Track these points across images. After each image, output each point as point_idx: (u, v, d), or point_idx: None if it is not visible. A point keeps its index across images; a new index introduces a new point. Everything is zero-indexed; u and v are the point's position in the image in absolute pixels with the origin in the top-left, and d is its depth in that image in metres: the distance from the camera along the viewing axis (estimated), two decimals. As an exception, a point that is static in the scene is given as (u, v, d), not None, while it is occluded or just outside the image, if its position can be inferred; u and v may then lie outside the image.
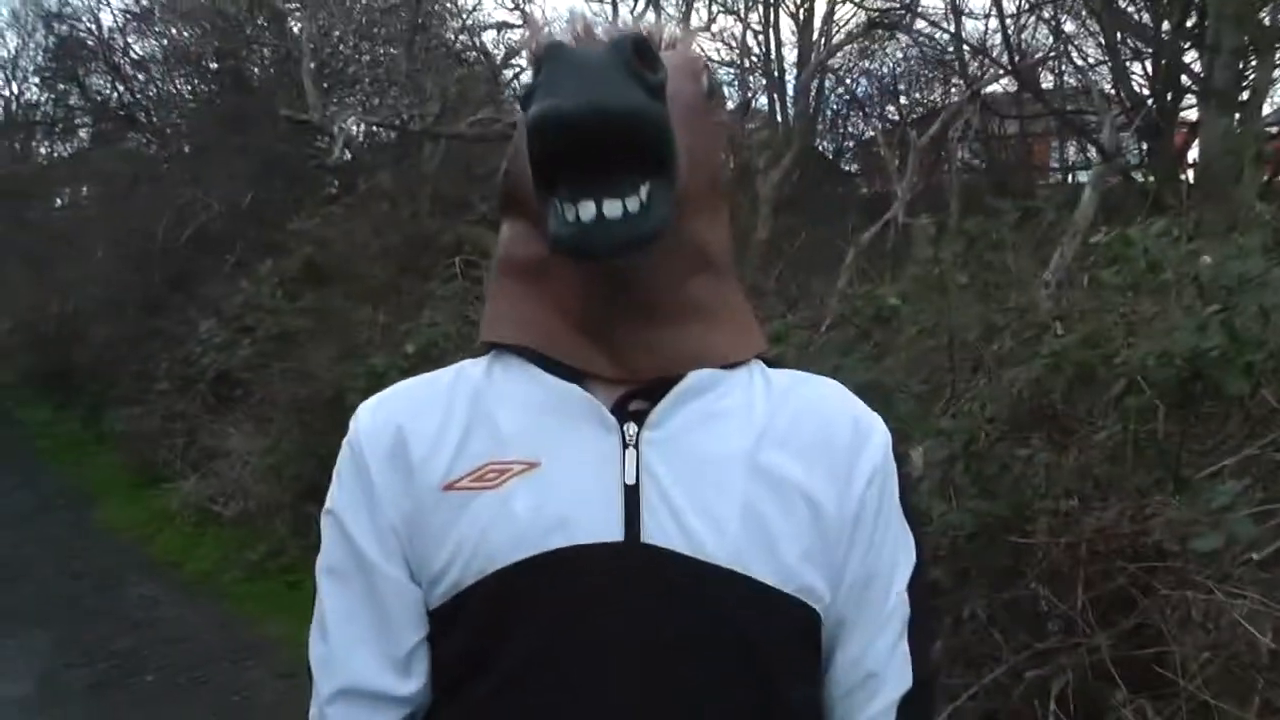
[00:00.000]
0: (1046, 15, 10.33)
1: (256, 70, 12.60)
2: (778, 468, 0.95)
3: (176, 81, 13.81)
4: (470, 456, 0.95)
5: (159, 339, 9.61)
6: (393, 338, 6.91)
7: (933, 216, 5.93)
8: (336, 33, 11.53)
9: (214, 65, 12.87)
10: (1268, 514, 2.62)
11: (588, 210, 0.87)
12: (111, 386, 10.52)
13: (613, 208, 0.87)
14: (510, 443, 0.95)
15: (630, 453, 0.93)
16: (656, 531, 0.91)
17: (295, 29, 11.27)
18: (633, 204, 0.88)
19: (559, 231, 0.89)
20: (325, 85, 11.45)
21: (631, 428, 0.94)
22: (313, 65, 10.31)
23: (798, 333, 4.89)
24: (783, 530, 0.93)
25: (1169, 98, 8.10)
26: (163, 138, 13.40)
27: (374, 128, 11.03)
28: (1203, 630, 2.43)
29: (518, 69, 10.28)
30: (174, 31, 12.92)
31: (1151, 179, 7.26)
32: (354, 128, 10.52)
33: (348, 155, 10.15)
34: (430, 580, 0.95)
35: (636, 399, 0.96)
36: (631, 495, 0.92)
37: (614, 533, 0.91)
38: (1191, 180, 6.94)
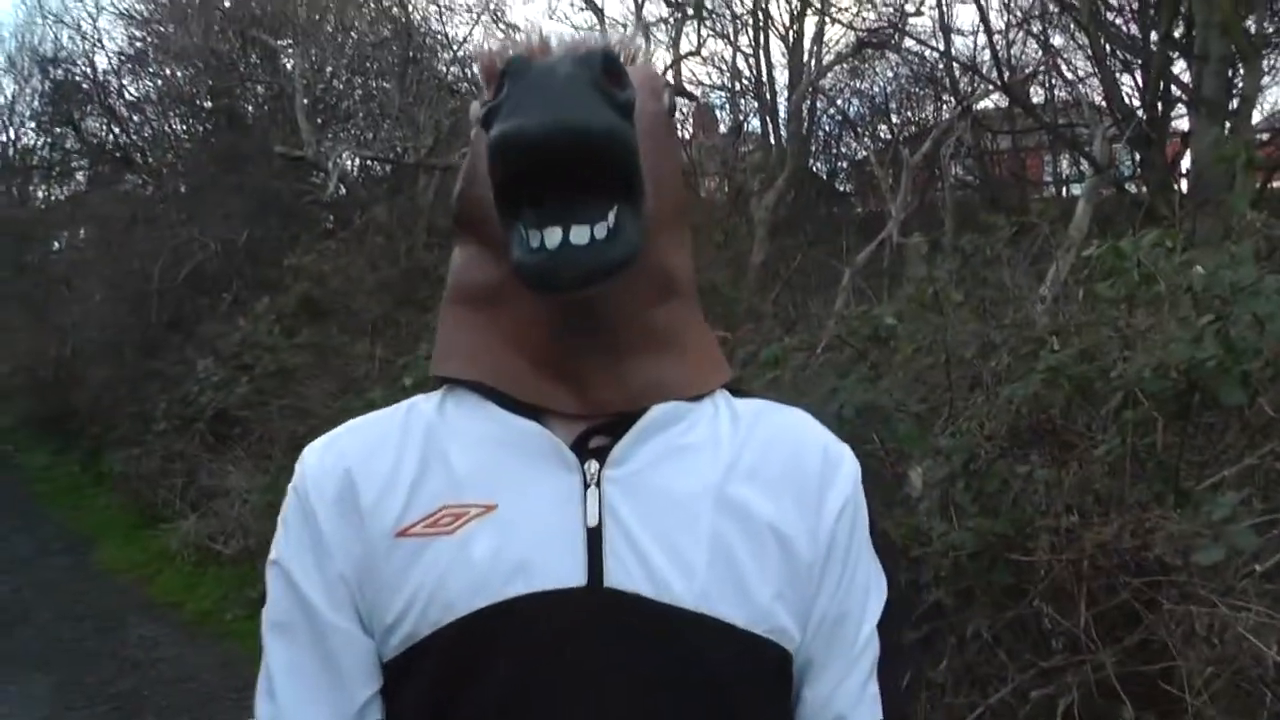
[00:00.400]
0: (1035, 30, 10.36)
1: (250, 108, 12.66)
2: (747, 502, 0.92)
3: (171, 121, 13.88)
4: (424, 500, 0.90)
5: (157, 380, 9.59)
6: (391, 371, 6.89)
7: (927, 234, 5.93)
8: (329, 68, 11.60)
9: (208, 104, 12.93)
10: (1270, 524, 2.59)
11: (554, 237, 0.83)
12: (110, 428, 10.49)
13: (580, 234, 0.83)
14: (466, 484, 0.90)
15: (592, 492, 0.89)
16: (621, 575, 0.87)
17: (288, 66, 11.32)
18: (600, 230, 0.84)
19: (523, 259, 0.85)
20: (319, 121, 11.50)
21: (593, 466, 0.90)
22: (306, 101, 10.36)
23: (794, 355, 4.87)
24: (753, 569, 0.90)
25: (1159, 108, 8.12)
26: (159, 178, 13.44)
27: (368, 162, 11.08)
28: (1207, 645, 2.39)
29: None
30: (168, 72, 12.99)
31: (1145, 190, 7.26)
32: (348, 162, 10.56)
33: (342, 190, 10.18)
34: (384, 631, 0.90)
35: (597, 435, 0.92)
36: (594, 537, 0.88)
37: (576, 577, 0.87)
38: (1184, 190, 6.94)
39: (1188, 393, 2.73)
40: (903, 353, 4.38)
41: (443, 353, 0.99)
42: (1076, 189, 11.00)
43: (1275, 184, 8.53)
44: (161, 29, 12.74)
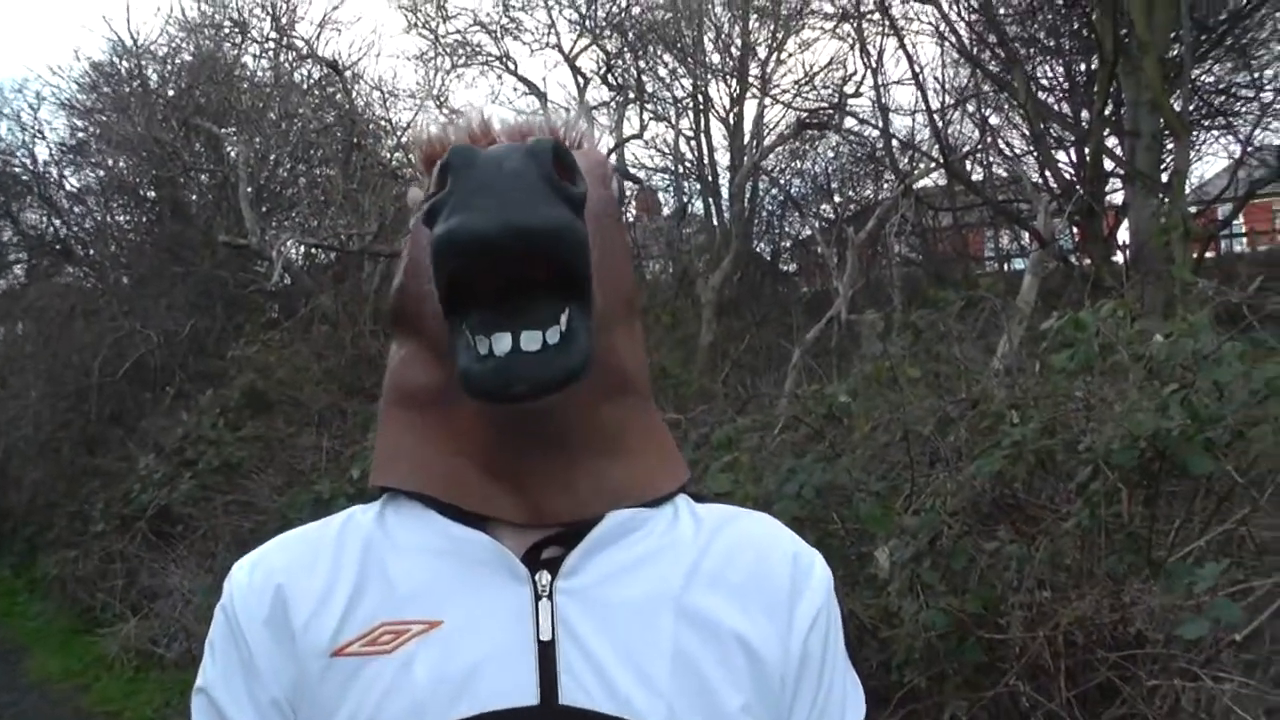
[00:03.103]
0: (971, 109, 10.65)
1: (194, 197, 12.56)
2: (709, 611, 0.87)
3: (113, 212, 13.71)
4: (361, 617, 0.84)
5: (96, 477, 9.31)
6: (339, 463, 6.75)
7: (877, 311, 5.96)
8: (273, 156, 11.57)
9: (151, 193, 12.81)
10: (1244, 592, 2.57)
11: (502, 343, 0.79)
12: (45, 530, 10.13)
13: (531, 340, 0.79)
14: (406, 600, 0.84)
15: (544, 605, 0.84)
16: (577, 692, 0.81)
17: (232, 154, 11.28)
18: (553, 335, 0.80)
19: (470, 368, 0.80)
20: (263, 209, 11.43)
21: (544, 577, 0.85)
22: (250, 189, 10.30)
23: (748, 435, 4.83)
24: (720, 680, 0.84)
25: (1094, 183, 8.34)
26: (100, 270, 13.23)
27: (313, 249, 11.00)
28: (1195, 721, 2.34)
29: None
30: (110, 162, 12.87)
31: (1089, 262, 7.41)
32: (292, 250, 10.47)
33: (287, 279, 10.08)
34: None
35: (551, 545, 0.86)
36: (546, 652, 0.82)
37: (528, 696, 0.81)
38: (1125, 261, 7.09)
39: (1152, 462, 2.72)
40: (860, 430, 4.36)
41: (383, 460, 0.93)
42: (1018, 263, 11.23)
43: (1208, 254, 8.79)
44: (104, 118, 12.64)
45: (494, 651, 0.82)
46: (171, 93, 12.30)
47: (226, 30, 12.48)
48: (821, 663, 0.90)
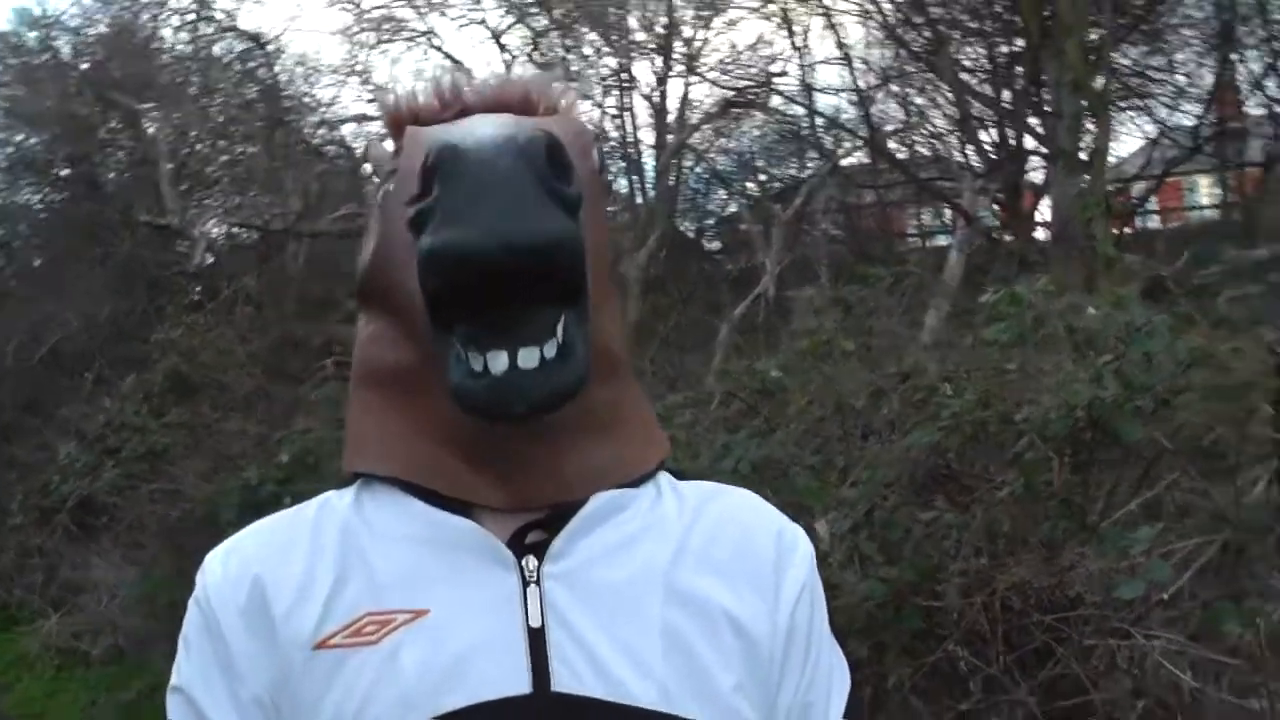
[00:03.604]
0: (895, 89, 10.78)
1: (111, 175, 12.19)
2: (698, 589, 0.85)
3: (22, 190, 13.24)
4: (344, 608, 0.82)
5: (13, 469, 9.01)
6: (266, 447, 6.64)
7: (802, 288, 6.04)
8: (193, 132, 11.26)
9: (65, 171, 12.39)
10: (1169, 553, 2.67)
11: (498, 362, 0.76)
12: (-44, 525, 9.79)
13: (528, 357, 0.76)
14: (390, 589, 0.82)
15: (533, 591, 0.82)
16: (569, 678, 0.80)
17: (150, 130, 10.96)
18: (550, 349, 0.77)
19: (464, 385, 0.77)
20: (184, 187, 11.13)
21: (531, 562, 0.83)
22: (170, 167, 10.03)
23: (680, 412, 4.85)
24: (712, 659, 0.83)
25: (1016, 161, 8.53)
26: (9, 252, 12.78)
27: (235, 229, 10.78)
28: (1129, 676, 2.43)
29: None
30: (19, 138, 12.42)
31: (1012, 239, 7.59)
32: (215, 230, 10.25)
33: (210, 259, 9.86)
34: None
35: (534, 530, 0.85)
36: (537, 639, 0.81)
37: (520, 684, 0.79)
38: (1047, 238, 7.28)
39: (1085, 431, 2.81)
40: (796, 404, 4.41)
41: (355, 444, 0.90)
42: (941, 240, 11.44)
43: (1125, 230, 9.06)
44: (10, 92, 12.18)
45: (483, 640, 0.80)
46: (86, 65, 11.90)
47: (144, 0, 12.08)
48: (808, 636, 0.90)
